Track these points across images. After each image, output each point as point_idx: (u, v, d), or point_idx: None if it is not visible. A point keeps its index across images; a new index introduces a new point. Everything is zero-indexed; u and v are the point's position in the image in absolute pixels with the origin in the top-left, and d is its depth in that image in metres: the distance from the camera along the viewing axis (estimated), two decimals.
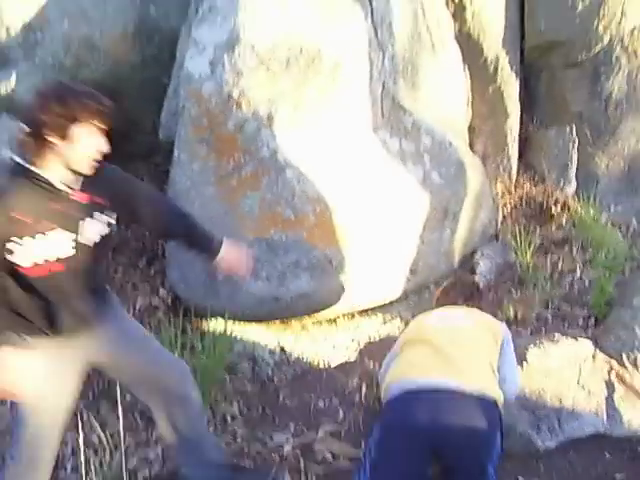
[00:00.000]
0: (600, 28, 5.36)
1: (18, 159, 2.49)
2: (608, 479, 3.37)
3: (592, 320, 4.48)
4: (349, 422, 3.79)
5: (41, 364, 2.62)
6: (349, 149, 4.32)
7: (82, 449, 3.05)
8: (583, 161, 5.66)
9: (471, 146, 5.57)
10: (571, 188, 5.64)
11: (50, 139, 2.45)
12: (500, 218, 5.39)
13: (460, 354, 3.01)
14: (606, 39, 5.41)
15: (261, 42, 4.18)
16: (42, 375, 2.64)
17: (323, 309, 4.40)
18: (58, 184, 2.52)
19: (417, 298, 4.72)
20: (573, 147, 5.66)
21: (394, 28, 4.68)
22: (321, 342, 4.48)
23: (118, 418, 3.18)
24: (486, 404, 2.88)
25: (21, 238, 2.45)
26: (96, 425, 3.52)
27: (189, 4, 4.98)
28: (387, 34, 4.63)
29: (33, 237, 2.47)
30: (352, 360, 4.35)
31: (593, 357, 3.90)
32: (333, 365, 4.30)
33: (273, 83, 4.18)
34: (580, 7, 5.33)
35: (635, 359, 3.88)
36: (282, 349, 4.38)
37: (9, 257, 2.46)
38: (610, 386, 3.77)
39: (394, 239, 4.47)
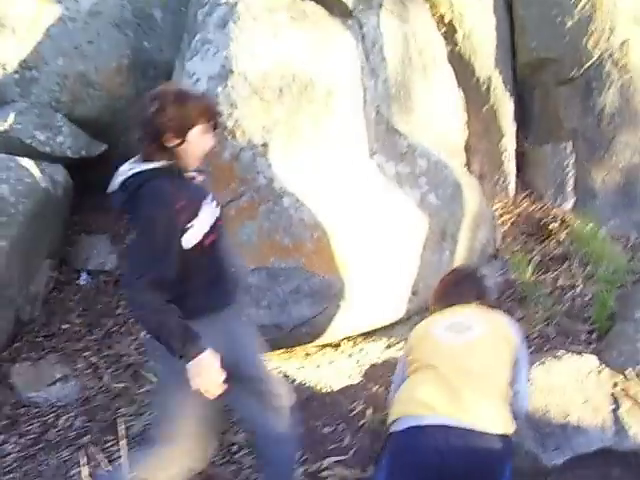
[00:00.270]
0: (590, 44, 5.42)
1: (150, 165, 2.61)
2: None
3: (595, 335, 4.48)
4: (356, 446, 3.78)
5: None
6: (345, 175, 4.33)
7: None
8: (579, 176, 5.69)
9: (467, 166, 5.60)
10: (569, 204, 5.66)
11: (169, 142, 2.59)
12: (499, 237, 5.39)
13: (469, 389, 2.82)
14: (596, 54, 5.47)
15: (253, 72, 4.21)
16: None
17: (326, 334, 4.40)
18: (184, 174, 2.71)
19: (419, 319, 4.68)
20: (569, 163, 5.69)
21: (385, 53, 4.73)
22: (325, 367, 4.46)
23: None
24: (496, 436, 2.81)
25: (191, 221, 2.59)
26: (102, 459, 3.51)
27: (182, 37, 5.03)
28: (378, 59, 4.67)
29: (197, 216, 2.62)
30: (356, 384, 4.33)
31: (597, 372, 3.88)
32: (337, 390, 4.27)
33: (267, 112, 4.20)
34: (569, 24, 5.39)
35: (639, 372, 3.88)
36: (285, 376, 4.37)
37: (186, 244, 2.60)
38: (615, 400, 3.74)
39: (393, 262, 4.47)
